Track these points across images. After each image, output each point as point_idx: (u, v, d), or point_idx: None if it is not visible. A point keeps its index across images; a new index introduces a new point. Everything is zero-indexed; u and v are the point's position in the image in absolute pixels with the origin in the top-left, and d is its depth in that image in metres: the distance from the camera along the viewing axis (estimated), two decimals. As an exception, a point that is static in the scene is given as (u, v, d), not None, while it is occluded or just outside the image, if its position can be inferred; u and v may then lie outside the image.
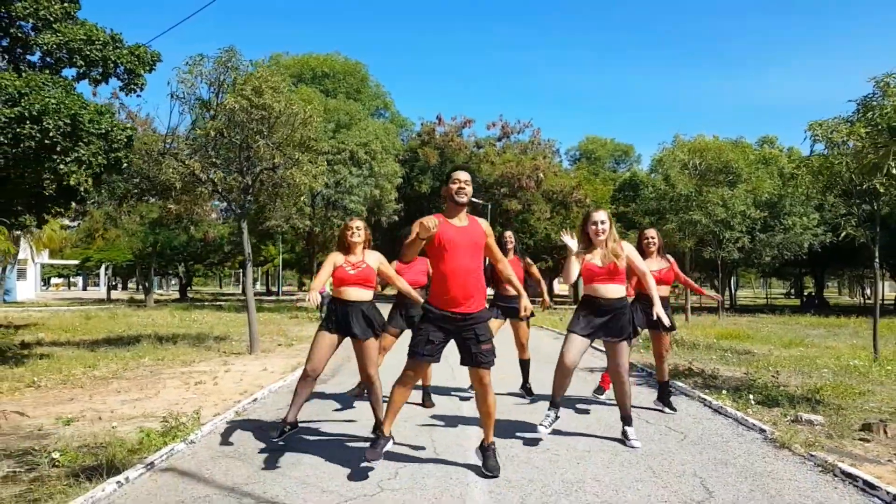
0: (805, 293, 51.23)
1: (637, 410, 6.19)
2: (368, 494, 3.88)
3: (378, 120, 35.99)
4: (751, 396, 6.53)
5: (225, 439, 5.24)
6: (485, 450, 4.29)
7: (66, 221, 35.34)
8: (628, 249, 4.93)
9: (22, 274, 47.38)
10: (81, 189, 10.12)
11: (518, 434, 5.32)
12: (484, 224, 4.31)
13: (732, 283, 45.61)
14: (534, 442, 5.07)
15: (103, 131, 9.23)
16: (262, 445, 5.07)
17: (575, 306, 6.13)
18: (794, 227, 27.14)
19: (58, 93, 8.94)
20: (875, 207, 9.18)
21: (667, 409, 6.22)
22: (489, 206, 31.39)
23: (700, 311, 31.72)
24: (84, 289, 73.07)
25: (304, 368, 4.89)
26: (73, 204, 12.30)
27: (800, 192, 9.92)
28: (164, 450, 4.67)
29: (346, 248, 5.01)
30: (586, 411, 6.37)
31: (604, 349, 5.23)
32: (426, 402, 6.57)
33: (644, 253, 6.05)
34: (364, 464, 4.26)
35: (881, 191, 8.64)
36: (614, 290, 4.83)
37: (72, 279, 75.99)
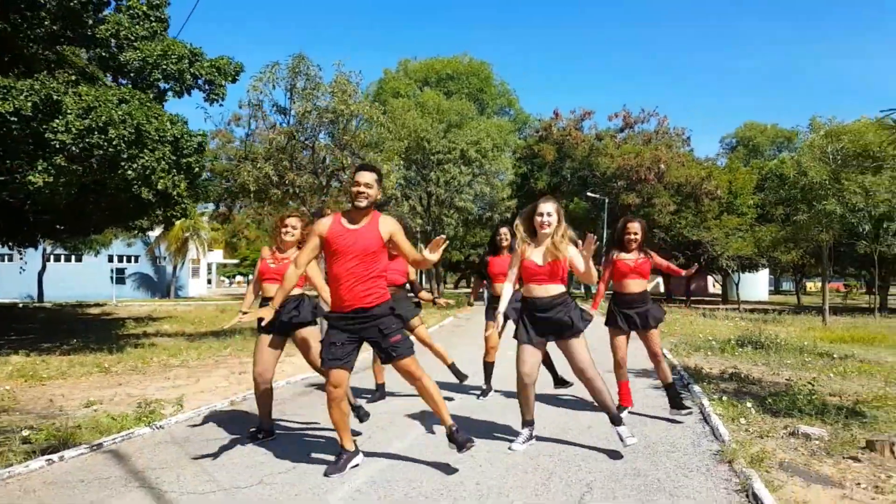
0: None
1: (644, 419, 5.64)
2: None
3: (501, 118, 36.06)
4: (773, 402, 5.66)
5: (195, 428, 5.38)
6: (450, 435, 4.10)
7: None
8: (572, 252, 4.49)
9: (196, 272, 52.92)
10: (174, 193, 10.99)
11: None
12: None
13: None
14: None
15: (171, 139, 10.00)
16: (230, 439, 4.99)
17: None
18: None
19: (134, 105, 9.79)
20: None
21: (678, 418, 5.54)
22: (606, 201, 30.23)
23: (851, 311, 28.06)
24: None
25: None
26: (176, 209, 13.29)
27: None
28: (123, 433, 4.94)
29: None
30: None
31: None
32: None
33: (625, 247, 5.64)
34: (324, 476, 4.00)
35: None
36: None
37: (250, 277, 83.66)
